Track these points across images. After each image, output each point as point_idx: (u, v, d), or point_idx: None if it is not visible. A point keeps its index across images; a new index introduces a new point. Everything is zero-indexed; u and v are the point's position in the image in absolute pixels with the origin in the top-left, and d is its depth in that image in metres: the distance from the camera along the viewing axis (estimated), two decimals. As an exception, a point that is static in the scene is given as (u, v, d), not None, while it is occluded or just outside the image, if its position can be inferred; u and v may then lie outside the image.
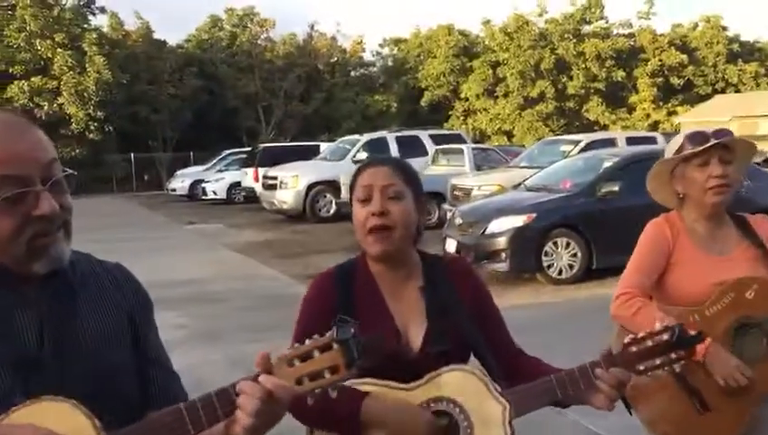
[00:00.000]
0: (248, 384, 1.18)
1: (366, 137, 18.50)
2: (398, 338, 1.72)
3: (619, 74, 41.53)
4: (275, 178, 17.41)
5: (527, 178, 10.75)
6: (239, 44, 42.36)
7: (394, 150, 16.78)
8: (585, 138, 14.92)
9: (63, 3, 36.80)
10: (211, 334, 7.11)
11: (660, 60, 41.66)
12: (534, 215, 8.81)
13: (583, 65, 41.33)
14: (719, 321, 2.16)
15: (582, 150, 13.04)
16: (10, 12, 34.91)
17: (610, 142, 14.36)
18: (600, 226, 8.72)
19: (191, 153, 35.02)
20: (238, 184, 23.05)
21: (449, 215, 10.39)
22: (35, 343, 1.23)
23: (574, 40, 41.47)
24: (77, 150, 34.84)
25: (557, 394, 1.64)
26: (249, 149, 26.14)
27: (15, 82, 33.59)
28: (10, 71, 33.51)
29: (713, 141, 2.20)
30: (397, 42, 48.08)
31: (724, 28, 44.41)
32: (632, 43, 42.54)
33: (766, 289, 2.18)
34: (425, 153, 17.10)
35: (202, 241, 14.88)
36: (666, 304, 2.24)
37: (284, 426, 1.30)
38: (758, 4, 67.67)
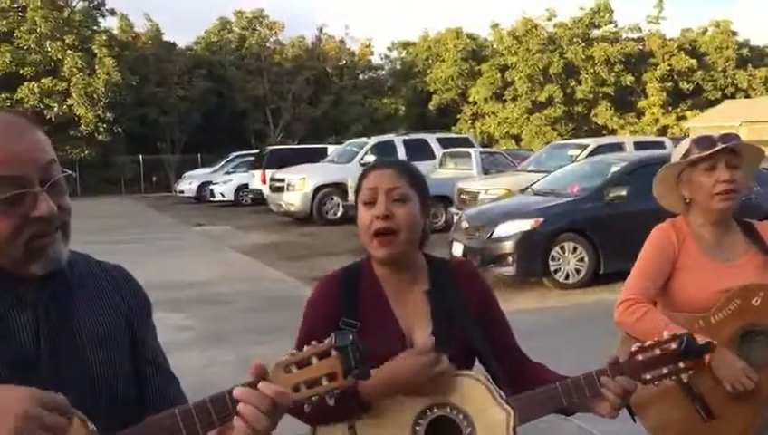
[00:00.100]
0: (248, 392, 1.17)
1: (373, 140, 18.50)
2: (402, 342, 1.71)
3: (628, 79, 41.45)
4: (283, 180, 17.44)
5: (534, 183, 10.73)
6: (248, 47, 42.49)
7: (401, 153, 16.78)
8: (593, 142, 14.87)
9: (74, 5, 37.03)
10: (217, 336, 7.11)
11: (669, 64, 41.55)
12: (541, 219, 8.78)
13: (592, 69, 41.25)
14: (725, 328, 2.13)
15: (590, 155, 13.01)
16: (20, 14, 35.14)
17: (618, 147, 14.32)
18: (608, 230, 8.69)
19: (199, 155, 35.13)
20: (246, 186, 23.09)
21: (456, 218, 10.37)
22: (31, 344, 1.22)
23: (583, 44, 41.42)
24: (86, 152, 35.04)
25: (562, 402, 1.63)
26: (257, 151, 26.19)
27: (26, 84, 33.80)
28: (20, 72, 33.73)
29: (720, 146, 2.18)
30: (405, 45, 48.14)
31: (734, 33, 44.29)
32: (641, 48, 42.45)
33: None
34: (432, 156, 17.09)
35: (209, 243, 14.91)
36: (670, 310, 2.22)
37: (285, 427, 1.30)
38: (768, 9, 67.40)
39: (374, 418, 1.63)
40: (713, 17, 53.65)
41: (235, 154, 28.09)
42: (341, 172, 16.47)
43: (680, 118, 41.90)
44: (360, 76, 46.16)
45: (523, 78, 41.28)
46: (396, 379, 1.60)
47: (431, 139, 18.50)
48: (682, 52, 42.08)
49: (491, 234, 8.82)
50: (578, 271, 8.76)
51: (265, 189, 19.30)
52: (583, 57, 41.11)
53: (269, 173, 19.15)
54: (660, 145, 14.93)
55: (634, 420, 1.79)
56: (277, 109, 40.63)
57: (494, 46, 44.28)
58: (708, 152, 2.18)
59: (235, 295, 9.11)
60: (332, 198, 17.00)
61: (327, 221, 16.75)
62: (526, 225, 8.74)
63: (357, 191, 1.79)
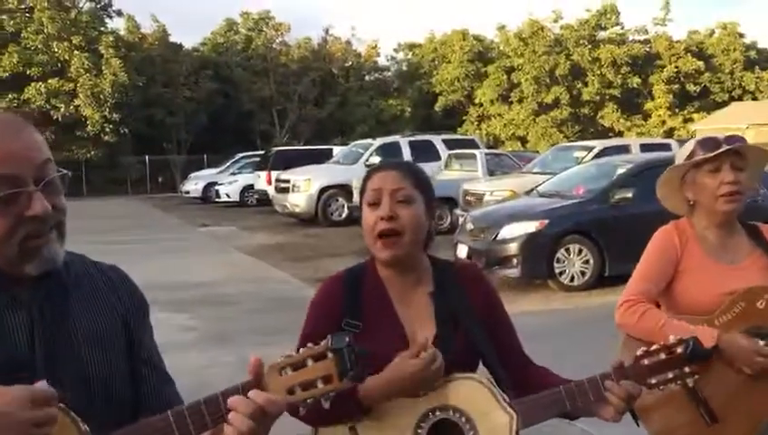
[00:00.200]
0: (238, 400, 1.16)
1: (379, 141, 18.51)
2: (405, 343, 1.70)
3: (635, 81, 41.38)
4: (288, 181, 17.46)
5: (540, 184, 10.70)
6: (254, 48, 42.59)
7: (407, 155, 16.77)
8: (599, 144, 14.86)
9: (81, 6, 37.19)
10: (221, 337, 7.12)
11: (676, 66, 41.46)
12: (547, 221, 8.76)
13: (598, 71, 41.20)
14: (729, 330, 2.11)
15: (596, 157, 12.99)
16: (28, 14, 35.31)
17: (624, 149, 14.29)
18: (613, 232, 8.66)
19: (205, 156, 35.21)
20: (251, 187, 23.15)
21: (461, 220, 10.36)
22: (26, 345, 1.22)
23: (589, 46, 41.37)
24: (92, 152, 35.18)
25: (566, 406, 1.62)
26: (262, 152, 26.25)
27: (32, 84, 33.95)
28: (27, 72, 33.88)
29: (724, 147, 2.16)
30: (411, 46, 48.16)
31: (742, 35, 44.17)
32: (648, 50, 42.36)
33: None
34: (438, 158, 17.08)
35: (214, 243, 14.94)
36: (674, 313, 2.20)
37: (287, 427, 1.29)
38: (776, 12, 67.17)
39: (376, 421, 1.62)
40: (720, 19, 53.51)
41: (240, 155, 28.17)
42: (347, 173, 16.46)
43: (687, 120, 41.78)
44: (366, 77, 46.20)
45: (530, 80, 41.25)
46: (394, 380, 1.59)
47: (436, 140, 18.49)
48: (689, 54, 41.98)
49: (496, 235, 8.80)
50: (583, 273, 8.74)
51: (271, 190, 19.34)
52: (590, 59, 41.06)
53: (274, 174, 19.19)
54: (667, 147, 14.89)
55: (637, 425, 1.78)
56: (283, 110, 40.69)
57: (501, 48, 44.25)
58: (713, 154, 2.17)
59: (239, 296, 9.12)
60: (337, 200, 17.01)
61: (332, 222, 16.75)
62: (531, 227, 8.72)
63: (361, 192, 1.79)
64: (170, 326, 7.20)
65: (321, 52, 43.66)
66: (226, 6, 79.09)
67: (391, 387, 1.59)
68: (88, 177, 35.14)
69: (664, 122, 42.05)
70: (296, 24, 60.56)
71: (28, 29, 34.49)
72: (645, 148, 14.51)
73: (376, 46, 46.45)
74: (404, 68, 48.01)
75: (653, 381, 1.57)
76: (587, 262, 8.73)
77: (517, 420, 1.59)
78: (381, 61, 47.76)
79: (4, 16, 34.64)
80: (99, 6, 38.02)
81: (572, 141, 28.72)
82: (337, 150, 21.02)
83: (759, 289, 2.14)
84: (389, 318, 1.73)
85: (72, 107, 34.44)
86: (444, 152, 17.37)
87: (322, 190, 16.93)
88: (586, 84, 41.84)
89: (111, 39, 36.02)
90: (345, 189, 16.40)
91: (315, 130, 40.10)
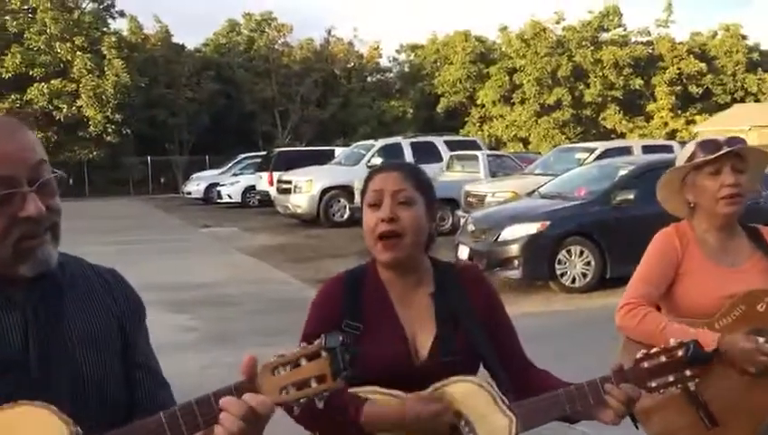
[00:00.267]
0: (229, 401, 1.15)
1: (381, 142, 18.50)
2: (405, 345, 1.70)
3: (637, 82, 41.35)
4: (290, 182, 17.46)
5: (542, 186, 10.69)
6: (256, 49, 42.62)
7: (409, 156, 16.76)
8: (601, 146, 14.85)
9: (83, 6, 37.25)
10: (222, 337, 7.12)
11: (679, 68, 41.43)
12: (548, 222, 8.75)
13: (601, 73, 41.17)
14: (729, 334, 2.11)
15: (598, 158, 12.98)
16: (31, 15, 35.37)
17: (626, 150, 14.29)
18: (615, 234, 8.64)
19: (207, 157, 35.24)
20: (253, 188, 23.15)
21: (462, 221, 10.35)
22: (20, 346, 1.21)
23: (592, 47, 41.35)
24: (95, 153, 35.22)
25: (565, 409, 1.61)
26: (264, 153, 26.26)
27: (35, 85, 34.00)
28: (30, 73, 33.93)
29: (725, 149, 2.15)
30: (413, 48, 48.17)
31: (744, 37, 44.15)
32: (650, 51, 42.33)
33: None
34: (440, 159, 17.08)
35: (216, 244, 14.95)
36: (674, 315, 2.19)
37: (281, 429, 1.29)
38: (779, 13, 67.08)
39: (375, 424, 1.62)
40: (722, 21, 53.42)
41: (242, 156, 28.18)
42: (348, 175, 16.46)
43: (689, 122, 41.74)
44: (369, 79, 46.21)
45: (532, 81, 41.23)
46: (402, 419, 1.59)
47: (438, 141, 18.48)
48: (691, 55, 41.94)
49: (497, 237, 8.79)
50: (584, 275, 8.72)
51: (272, 191, 19.35)
52: (592, 60, 41.03)
53: (276, 175, 19.19)
54: (669, 149, 14.87)
55: (636, 428, 1.77)
56: (285, 111, 40.71)
57: (503, 49, 44.23)
58: (713, 156, 2.16)
59: (240, 297, 9.12)
60: (339, 201, 17.01)
61: (333, 223, 16.75)
62: (533, 228, 8.71)
63: (362, 193, 1.79)
64: (171, 327, 7.20)
65: (323, 53, 43.68)
66: (229, 7, 79.23)
67: (397, 423, 1.60)
68: (90, 177, 35.21)
69: (666, 124, 42.01)
70: (298, 25, 60.76)
71: (31, 30, 34.54)
72: (647, 149, 14.51)
73: (378, 47, 46.51)
74: (406, 69, 48.02)
75: (653, 384, 1.56)
76: (588, 263, 8.72)
77: (516, 424, 1.58)
78: (383, 62, 47.86)
79: (7, 17, 34.69)
80: (101, 7, 38.08)
81: (574, 143, 28.71)
82: (339, 151, 21.02)
83: (759, 292, 2.13)
84: (390, 319, 1.73)
85: (74, 108, 34.48)
86: (445, 153, 17.36)
87: (324, 191, 16.93)
88: (588, 86, 41.81)
89: (114, 40, 36.06)
90: (347, 190, 16.40)
91: (317, 131, 40.12)
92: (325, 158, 19.98)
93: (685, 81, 41.90)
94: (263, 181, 21.42)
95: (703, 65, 41.61)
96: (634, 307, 2.16)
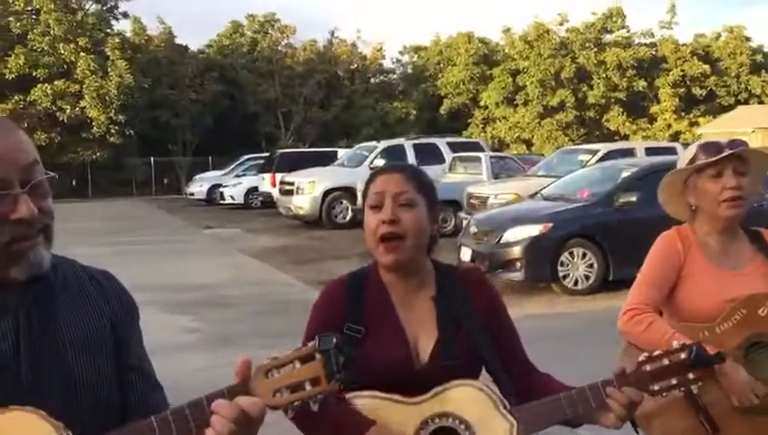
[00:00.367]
0: (222, 404, 1.14)
1: (383, 144, 18.49)
2: (407, 348, 1.70)
3: (641, 84, 41.28)
4: (292, 183, 17.45)
5: (544, 188, 10.68)
6: (260, 50, 42.66)
7: (411, 158, 16.74)
8: (603, 147, 14.81)
9: (87, 8, 37.36)
10: (224, 339, 7.11)
11: (682, 70, 41.36)
12: (551, 224, 8.74)
13: (604, 75, 41.13)
14: (730, 338, 2.09)
15: (600, 160, 12.95)
16: (34, 16, 35.46)
17: (629, 152, 14.25)
18: (618, 236, 8.63)
19: (210, 158, 35.27)
20: (256, 189, 23.15)
21: (465, 223, 10.34)
22: (11, 351, 1.19)
23: (595, 49, 41.31)
24: (98, 154, 35.29)
25: (566, 413, 1.60)
26: (267, 154, 26.27)
27: (39, 86, 34.09)
28: (33, 74, 34.01)
29: (727, 152, 2.14)
30: (417, 49, 48.16)
31: (748, 39, 44.02)
32: (654, 53, 42.27)
33: None
34: (442, 161, 17.06)
35: (219, 245, 14.95)
36: (675, 319, 2.18)
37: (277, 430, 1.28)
38: (783, 15, 66.94)
39: (374, 429, 1.60)
40: (726, 23, 53.14)
41: (245, 157, 28.19)
42: (351, 176, 16.44)
43: (693, 124, 41.68)
44: (372, 80, 46.22)
45: (535, 83, 41.21)
46: None
47: (441, 143, 18.45)
48: (695, 57, 41.87)
49: (500, 239, 8.78)
50: (587, 277, 8.71)
51: (275, 193, 19.33)
52: (595, 62, 40.99)
53: (279, 176, 19.19)
54: (672, 151, 14.82)
55: (636, 432, 1.76)
56: (288, 112, 40.74)
57: (506, 51, 44.23)
58: (715, 158, 2.15)
59: (243, 298, 9.12)
60: (342, 202, 17.00)
61: (336, 225, 16.73)
62: (535, 230, 8.70)
63: (364, 195, 1.78)
64: (173, 328, 7.21)
65: (326, 54, 43.71)
66: (232, 9, 79.28)
67: None
68: (93, 178, 35.28)
69: (669, 126, 41.93)
70: (302, 27, 60.72)
71: (34, 31, 34.64)
72: (650, 151, 14.46)
73: (381, 49, 46.52)
74: (409, 71, 48.01)
75: (655, 387, 1.55)
76: (591, 266, 8.70)
77: (517, 428, 1.57)
78: (386, 63, 47.84)
79: (10, 18, 34.79)
80: (105, 8, 38.18)
81: (577, 145, 28.68)
82: (342, 153, 21.02)
83: (760, 296, 2.12)
84: (391, 322, 1.72)
85: (77, 108, 34.56)
86: (448, 155, 17.34)
87: (327, 193, 16.92)
88: (591, 87, 41.77)
89: (117, 41, 36.15)
90: (349, 192, 16.38)
91: (320, 132, 40.13)
92: (328, 159, 19.97)
93: (688, 82, 41.83)
94: (265, 183, 21.42)
95: (706, 67, 41.53)
96: (639, 313, 2.14)
